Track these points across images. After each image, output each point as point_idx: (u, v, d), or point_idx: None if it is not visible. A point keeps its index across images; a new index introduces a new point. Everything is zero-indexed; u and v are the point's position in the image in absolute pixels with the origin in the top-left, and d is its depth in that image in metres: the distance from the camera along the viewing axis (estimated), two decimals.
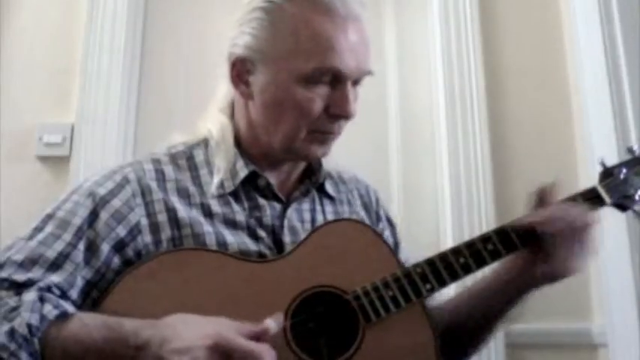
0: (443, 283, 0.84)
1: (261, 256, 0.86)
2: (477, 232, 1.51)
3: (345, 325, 0.81)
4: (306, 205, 0.95)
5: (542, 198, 0.88)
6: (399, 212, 1.67)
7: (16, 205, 1.55)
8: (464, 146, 1.64)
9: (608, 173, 0.92)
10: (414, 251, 1.03)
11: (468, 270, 0.84)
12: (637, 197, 0.90)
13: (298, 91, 0.85)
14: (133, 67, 1.73)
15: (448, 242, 1.58)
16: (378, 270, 0.83)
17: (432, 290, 0.83)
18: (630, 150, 0.93)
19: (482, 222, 1.54)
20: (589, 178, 1.51)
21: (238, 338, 0.66)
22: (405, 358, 0.80)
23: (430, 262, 0.84)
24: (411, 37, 1.83)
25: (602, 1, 1.55)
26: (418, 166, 1.73)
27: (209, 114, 0.99)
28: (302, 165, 0.97)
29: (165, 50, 1.79)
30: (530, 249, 0.86)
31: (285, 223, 0.90)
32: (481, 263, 0.85)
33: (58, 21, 1.74)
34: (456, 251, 0.85)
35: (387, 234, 1.04)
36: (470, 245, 0.85)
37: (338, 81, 0.86)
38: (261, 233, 0.88)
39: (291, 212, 0.92)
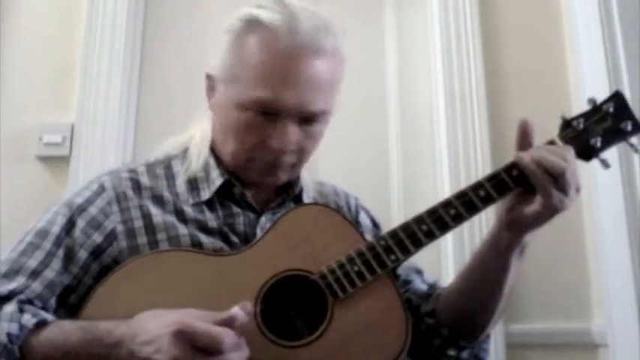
0: (407, 252, 0.83)
1: None
2: (476, 232, 1.53)
3: (315, 306, 0.81)
4: None
5: (523, 137, 0.86)
6: (399, 212, 1.67)
7: (16, 205, 1.55)
8: (464, 146, 1.64)
9: (566, 125, 0.90)
10: None
11: (431, 237, 0.84)
12: (598, 145, 0.88)
13: (236, 116, 0.87)
14: (133, 67, 1.73)
15: (448, 242, 1.58)
16: (344, 249, 0.84)
17: (397, 261, 0.83)
18: (591, 100, 0.91)
19: (482, 221, 1.54)
20: (589, 176, 1.53)
21: (199, 323, 0.68)
22: (374, 328, 0.80)
23: (393, 233, 0.84)
24: (411, 37, 1.83)
25: (602, 1, 1.55)
26: (418, 166, 1.73)
27: (197, 122, 1.01)
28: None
29: (165, 50, 1.79)
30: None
31: (258, 231, 0.91)
32: (444, 228, 0.84)
33: (58, 21, 1.74)
34: (418, 220, 0.84)
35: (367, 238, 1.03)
36: (432, 212, 0.84)
37: (277, 114, 0.86)
38: (234, 239, 0.90)
39: (265, 222, 0.93)
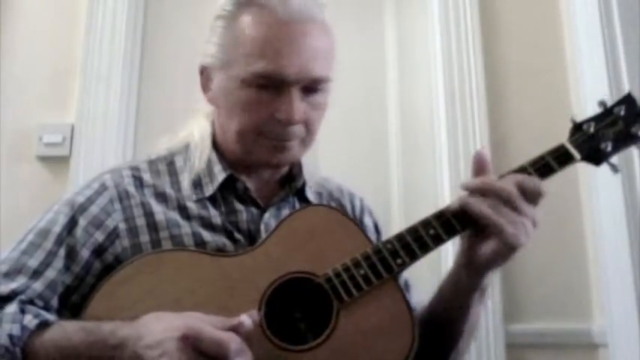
0: (414, 256, 0.82)
1: None
2: None
3: (320, 309, 0.80)
4: (285, 211, 0.94)
5: (479, 168, 0.86)
6: (399, 212, 1.67)
7: (16, 205, 1.55)
8: (464, 146, 1.64)
9: (577, 128, 0.88)
10: None
11: (438, 241, 0.83)
12: (609, 149, 0.86)
13: (242, 94, 0.88)
14: (133, 67, 1.73)
15: (448, 242, 1.57)
16: (349, 251, 0.82)
17: (403, 265, 0.82)
18: (602, 103, 0.89)
19: None
20: (589, 176, 1.53)
21: (206, 327, 0.67)
22: (380, 332, 0.79)
23: (400, 237, 0.83)
24: (411, 37, 1.83)
25: (602, 1, 1.55)
26: (418, 165, 1.73)
27: (195, 119, 1.01)
28: (281, 171, 0.97)
29: (165, 50, 1.79)
30: (472, 229, 0.83)
31: (262, 227, 0.90)
32: (451, 232, 0.83)
33: (58, 21, 1.74)
34: (425, 223, 0.83)
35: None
36: (439, 216, 0.84)
37: (281, 86, 0.86)
38: (238, 236, 0.89)
39: (268, 217, 0.92)
